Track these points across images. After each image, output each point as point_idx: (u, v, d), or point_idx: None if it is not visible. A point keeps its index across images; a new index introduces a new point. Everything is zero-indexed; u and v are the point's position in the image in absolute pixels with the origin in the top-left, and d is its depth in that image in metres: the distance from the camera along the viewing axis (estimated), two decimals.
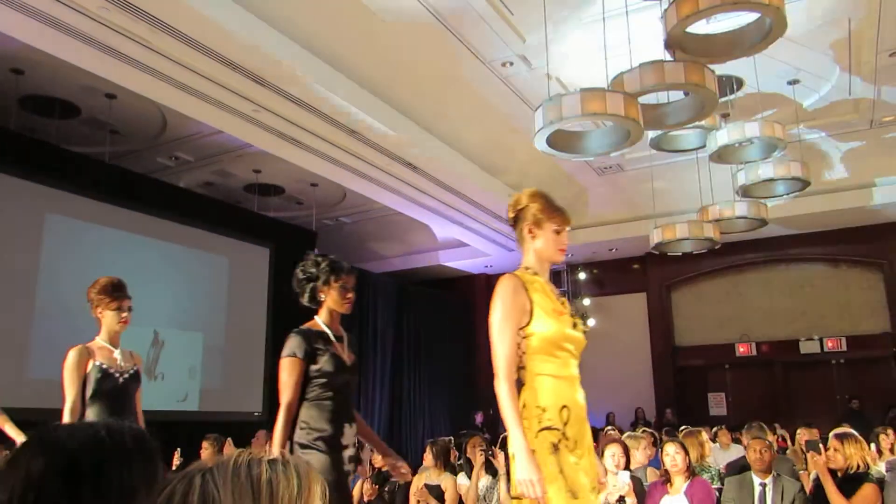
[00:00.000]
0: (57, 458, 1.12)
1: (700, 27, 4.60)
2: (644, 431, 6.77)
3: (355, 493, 5.59)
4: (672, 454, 4.43)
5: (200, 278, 9.40)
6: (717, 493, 4.62)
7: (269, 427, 7.71)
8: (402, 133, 7.99)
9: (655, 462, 5.75)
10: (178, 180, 9.82)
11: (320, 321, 3.28)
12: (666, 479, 4.50)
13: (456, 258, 13.20)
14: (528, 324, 2.49)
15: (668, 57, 4.69)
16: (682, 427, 7.59)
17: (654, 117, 5.25)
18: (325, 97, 6.98)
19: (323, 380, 3.10)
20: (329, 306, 3.32)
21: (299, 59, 6.50)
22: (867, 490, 4.05)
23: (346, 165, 8.65)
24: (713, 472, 5.47)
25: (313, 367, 3.11)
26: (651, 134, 6.61)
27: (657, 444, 6.42)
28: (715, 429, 8.08)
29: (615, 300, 13.85)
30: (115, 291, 3.60)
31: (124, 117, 8.14)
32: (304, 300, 3.35)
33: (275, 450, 2.73)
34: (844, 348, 11.89)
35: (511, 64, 7.45)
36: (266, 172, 9.95)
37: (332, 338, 3.25)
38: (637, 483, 4.65)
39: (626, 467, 4.75)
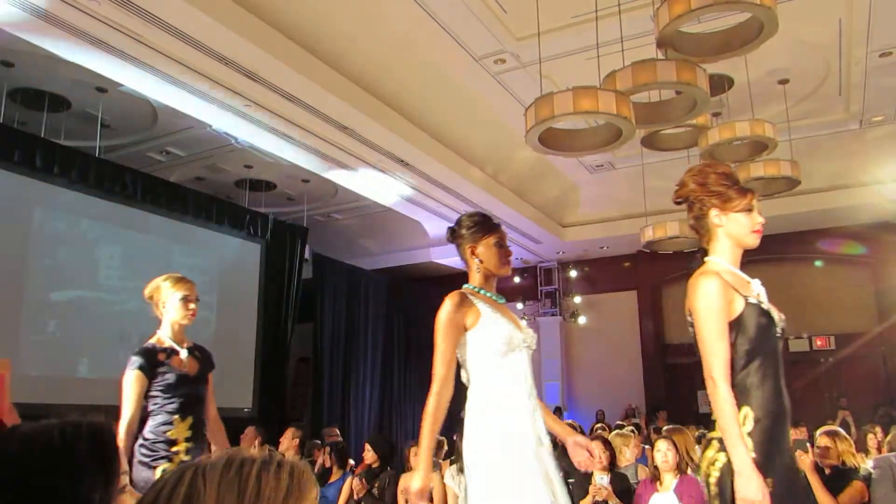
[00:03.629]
0: (6, 472, 1.14)
1: (692, 26, 4.61)
2: (633, 430, 6.76)
3: (344, 489, 5.60)
4: (664, 451, 4.44)
5: (191, 273, 9.30)
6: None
7: (259, 423, 7.71)
8: (393, 129, 7.98)
9: (644, 459, 5.77)
10: (169, 175, 9.78)
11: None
12: (655, 476, 4.51)
13: (447, 255, 13.18)
14: None
15: (660, 55, 4.71)
16: (666, 428, 7.58)
17: (646, 116, 5.27)
18: (318, 93, 6.96)
19: None
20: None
21: (291, 55, 6.48)
22: (854, 487, 4.09)
23: (337, 161, 8.64)
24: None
25: None
26: (642, 132, 6.63)
27: (648, 441, 6.42)
28: (699, 432, 8.00)
29: (606, 298, 13.88)
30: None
31: (115, 111, 8.10)
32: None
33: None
34: (833, 347, 11.96)
35: (503, 61, 7.45)
36: (257, 168, 9.93)
37: None
38: (621, 482, 4.66)
39: (611, 464, 4.75)
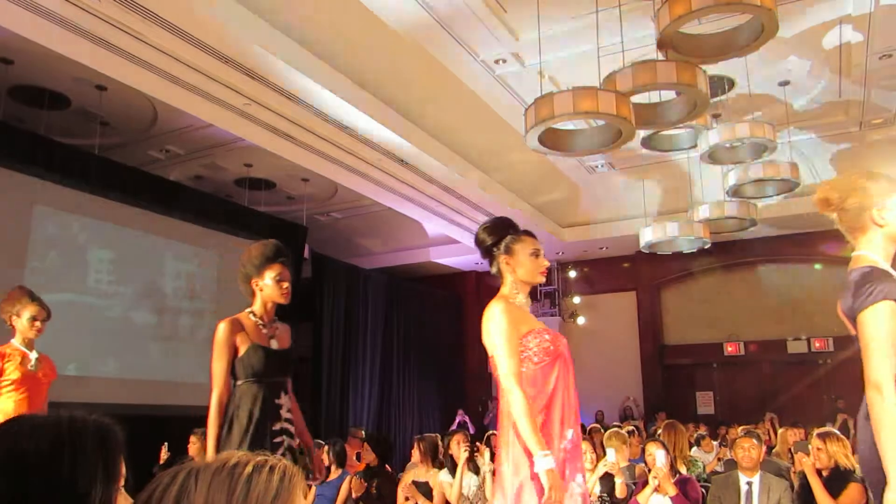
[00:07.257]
0: (8, 454, 1.15)
1: (692, 27, 4.61)
2: (630, 431, 6.75)
3: (343, 489, 5.60)
4: (655, 454, 4.42)
5: (189, 272, 9.35)
6: (704, 491, 4.64)
7: None
8: (393, 129, 7.98)
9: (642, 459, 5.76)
10: (169, 173, 9.77)
11: None
12: (647, 480, 4.51)
13: (446, 255, 13.19)
14: None
15: (661, 56, 4.71)
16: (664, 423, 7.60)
17: (646, 117, 5.27)
18: (317, 92, 6.95)
19: None
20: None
21: (292, 54, 6.48)
22: (853, 489, 4.09)
23: (337, 161, 8.64)
24: (699, 469, 5.48)
25: None
26: (642, 133, 6.63)
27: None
28: (696, 435, 8.01)
29: (605, 298, 13.89)
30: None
31: (115, 109, 8.09)
32: None
33: None
34: (831, 348, 11.97)
35: (504, 61, 7.44)
36: (257, 167, 9.92)
37: None
38: (607, 484, 4.70)
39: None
